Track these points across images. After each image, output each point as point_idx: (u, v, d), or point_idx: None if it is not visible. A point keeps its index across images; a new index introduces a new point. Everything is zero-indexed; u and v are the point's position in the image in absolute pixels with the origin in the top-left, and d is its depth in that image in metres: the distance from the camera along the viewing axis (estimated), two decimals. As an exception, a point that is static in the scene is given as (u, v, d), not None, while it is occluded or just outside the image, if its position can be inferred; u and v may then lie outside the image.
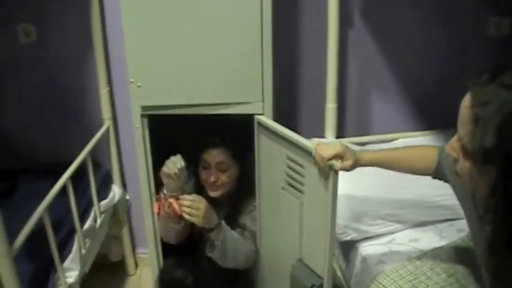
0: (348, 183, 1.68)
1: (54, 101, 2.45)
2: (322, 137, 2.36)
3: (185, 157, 1.80)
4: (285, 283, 1.75)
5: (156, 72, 1.78)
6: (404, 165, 1.54)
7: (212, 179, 1.94)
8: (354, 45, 2.39)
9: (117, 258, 2.72)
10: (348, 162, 1.44)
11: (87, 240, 2.06)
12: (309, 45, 2.38)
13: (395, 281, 1.61)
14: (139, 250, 2.79)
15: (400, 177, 1.61)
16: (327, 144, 1.49)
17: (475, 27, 2.38)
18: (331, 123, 2.32)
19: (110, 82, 2.40)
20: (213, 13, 1.73)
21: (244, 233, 1.98)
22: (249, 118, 1.83)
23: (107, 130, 2.40)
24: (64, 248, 1.87)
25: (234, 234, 1.91)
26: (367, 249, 1.95)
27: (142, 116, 1.86)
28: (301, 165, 1.59)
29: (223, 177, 1.95)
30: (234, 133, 1.97)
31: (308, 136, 1.59)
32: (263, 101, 1.81)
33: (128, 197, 2.65)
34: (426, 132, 2.47)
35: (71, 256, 1.88)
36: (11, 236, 1.48)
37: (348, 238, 1.99)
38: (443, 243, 1.82)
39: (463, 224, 1.49)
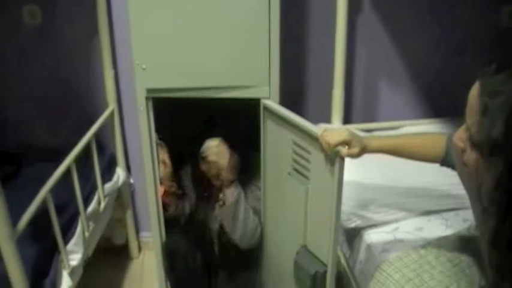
0: (354, 170, 1.67)
1: (58, 84, 2.44)
2: (329, 123, 2.35)
3: (184, 146, 1.85)
4: (289, 269, 1.75)
5: (162, 55, 1.76)
6: (412, 152, 1.52)
7: (212, 171, 1.92)
8: (362, 31, 2.38)
9: (121, 242, 2.73)
10: (354, 149, 1.42)
11: (90, 223, 2.06)
12: (317, 30, 2.37)
13: (399, 269, 1.60)
14: (143, 234, 2.80)
15: (406, 165, 1.59)
16: (334, 130, 1.48)
17: (486, 16, 2.35)
18: (337, 110, 2.31)
19: (115, 65, 2.39)
20: (220, -5, 1.71)
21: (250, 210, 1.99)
22: (253, 104, 1.81)
23: (112, 113, 2.39)
24: (68, 231, 1.86)
25: (246, 204, 1.93)
26: (372, 237, 1.94)
27: (147, 98, 1.84)
28: (307, 151, 1.57)
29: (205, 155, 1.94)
30: (235, 120, 1.98)
31: (314, 122, 1.58)
32: (269, 85, 1.79)
33: (132, 181, 2.65)
34: (433, 120, 2.45)
35: (74, 239, 1.87)
36: (15, 219, 1.48)
37: (353, 225, 1.99)
38: (448, 232, 1.81)
39: (469, 213, 1.47)
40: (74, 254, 1.86)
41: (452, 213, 1.99)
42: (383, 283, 1.62)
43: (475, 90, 1.01)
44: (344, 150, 1.40)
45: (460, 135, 1.09)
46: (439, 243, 1.70)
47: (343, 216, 1.95)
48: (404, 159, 1.54)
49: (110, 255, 2.65)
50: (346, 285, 2.14)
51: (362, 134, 1.63)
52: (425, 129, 2.29)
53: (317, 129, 1.51)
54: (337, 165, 1.42)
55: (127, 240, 2.73)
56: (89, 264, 2.04)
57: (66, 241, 1.82)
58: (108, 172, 2.38)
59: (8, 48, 2.36)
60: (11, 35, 2.33)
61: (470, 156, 1.06)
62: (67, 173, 1.84)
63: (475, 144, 1.02)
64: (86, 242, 1.96)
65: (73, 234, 1.88)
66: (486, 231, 1.15)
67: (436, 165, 1.51)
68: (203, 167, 1.91)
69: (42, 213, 1.66)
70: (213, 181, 1.95)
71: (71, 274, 1.81)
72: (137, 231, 2.77)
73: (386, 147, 1.51)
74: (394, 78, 2.48)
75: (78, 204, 1.94)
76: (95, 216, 2.12)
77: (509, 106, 0.92)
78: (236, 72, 1.79)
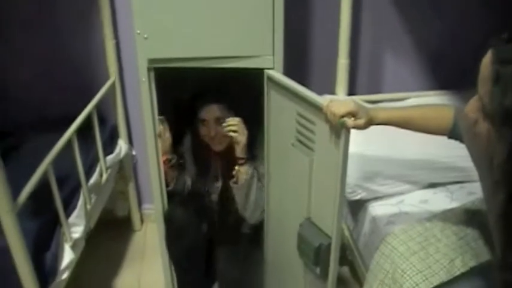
0: (359, 142, 1.64)
1: (59, 54, 2.40)
2: (333, 94, 2.32)
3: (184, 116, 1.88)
4: (293, 242, 1.73)
5: (164, 24, 1.72)
6: (419, 124, 1.48)
7: (212, 133, 1.96)
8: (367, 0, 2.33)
9: (123, 214, 2.73)
10: (360, 121, 1.39)
11: (92, 195, 2.05)
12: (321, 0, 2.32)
13: (404, 242, 1.60)
14: (145, 206, 2.80)
15: (412, 137, 1.56)
16: (340, 101, 1.45)
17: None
18: (342, 80, 2.28)
19: (116, 34, 2.35)
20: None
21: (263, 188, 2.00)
22: (256, 74, 1.78)
23: (113, 84, 2.37)
24: (69, 203, 1.86)
25: (258, 183, 1.96)
26: (377, 209, 1.93)
27: (149, 69, 1.81)
28: (312, 122, 1.54)
29: (223, 131, 1.94)
30: (236, 92, 1.99)
31: (319, 93, 1.54)
32: (273, 55, 1.75)
33: (134, 153, 2.63)
34: (439, 92, 2.42)
35: (76, 211, 1.86)
36: (16, 192, 1.46)
37: (358, 197, 1.98)
38: (453, 205, 1.80)
39: (475, 186, 1.46)
40: (75, 227, 1.85)
41: (457, 186, 1.99)
42: (388, 255, 1.61)
43: (487, 58, 0.99)
44: (350, 121, 1.37)
45: (472, 105, 1.06)
46: (445, 216, 1.69)
47: (348, 189, 1.93)
48: (409, 131, 1.51)
49: (112, 228, 2.65)
50: (350, 257, 2.14)
51: (368, 106, 1.59)
52: (431, 101, 2.26)
53: (322, 99, 1.47)
54: (342, 137, 1.39)
55: (129, 213, 2.73)
56: (91, 237, 2.05)
57: (67, 214, 1.81)
58: (110, 144, 2.37)
59: (8, 19, 2.32)
60: (12, 6, 2.29)
61: (483, 127, 1.03)
62: (68, 145, 1.82)
63: (487, 114, 1.00)
64: (87, 215, 1.95)
65: (75, 206, 1.88)
66: (495, 205, 1.13)
67: (441, 138, 1.48)
68: (203, 130, 1.98)
69: (43, 186, 1.65)
70: (212, 146, 2.00)
71: (73, 247, 1.82)
72: (139, 204, 2.77)
73: (394, 119, 1.48)
74: (401, 49, 2.44)
75: (79, 176, 1.93)
76: (97, 188, 2.11)
77: None
78: (239, 42, 1.75)
